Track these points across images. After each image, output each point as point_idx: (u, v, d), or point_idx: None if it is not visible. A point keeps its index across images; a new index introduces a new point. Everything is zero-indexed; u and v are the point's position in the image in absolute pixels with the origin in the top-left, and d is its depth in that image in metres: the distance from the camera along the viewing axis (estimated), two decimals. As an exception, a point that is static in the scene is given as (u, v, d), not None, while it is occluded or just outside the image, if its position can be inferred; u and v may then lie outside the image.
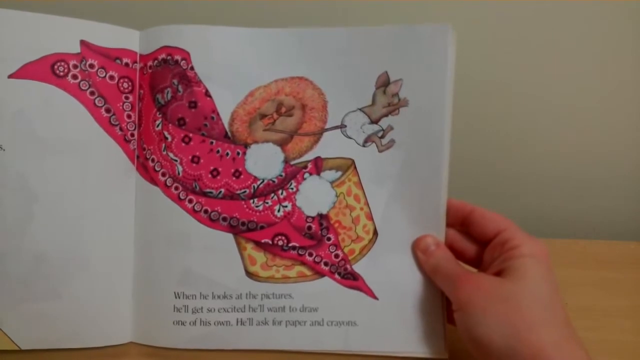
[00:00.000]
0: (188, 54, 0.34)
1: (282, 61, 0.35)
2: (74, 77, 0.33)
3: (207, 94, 0.35)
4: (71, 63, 0.33)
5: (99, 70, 0.34)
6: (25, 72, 0.33)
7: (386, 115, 0.35)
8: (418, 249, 0.35)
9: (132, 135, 0.35)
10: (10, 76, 0.32)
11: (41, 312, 0.34)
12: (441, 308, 0.35)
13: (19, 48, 0.33)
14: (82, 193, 0.34)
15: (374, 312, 0.35)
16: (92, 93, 0.34)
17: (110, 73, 0.34)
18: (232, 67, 0.35)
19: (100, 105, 0.34)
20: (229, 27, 0.35)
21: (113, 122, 0.35)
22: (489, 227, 0.33)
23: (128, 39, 0.35)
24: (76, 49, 0.33)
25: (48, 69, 0.33)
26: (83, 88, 0.34)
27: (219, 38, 0.35)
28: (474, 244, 0.35)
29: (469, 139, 0.51)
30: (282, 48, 0.35)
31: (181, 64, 0.34)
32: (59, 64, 0.33)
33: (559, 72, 0.50)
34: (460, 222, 0.35)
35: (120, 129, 0.35)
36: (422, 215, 0.35)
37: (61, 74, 0.33)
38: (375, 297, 0.35)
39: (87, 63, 0.34)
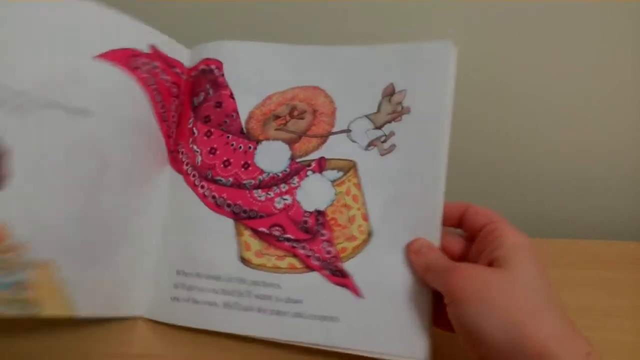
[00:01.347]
0: (221, 63, 0.40)
1: (299, 72, 0.39)
2: (145, 71, 0.38)
3: (231, 96, 0.40)
4: (143, 60, 0.38)
5: (161, 72, 0.40)
6: (109, 55, 0.37)
7: (389, 121, 0.37)
8: (410, 251, 0.35)
9: (173, 132, 0.41)
10: (96, 57, 0.36)
11: (96, 277, 0.35)
12: (428, 313, 0.34)
13: (106, 36, 0.37)
14: (136, 174, 0.38)
15: (358, 311, 0.35)
16: (154, 89, 0.39)
17: (167, 77, 0.40)
18: (256, 75, 0.40)
19: (158, 100, 0.39)
20: (259, 43, 0.41)
21: (164, 118, 0.40)
22: (480, 222, 0.34)
23: (179, 53, 0.41)
24: (147, 49, 0.39)
25: (127, 59, 0.38)
26: (149, 83, 0.39)
27: (249, 52, 0.41)
28: (470, 246, 0.35)
29: (469, 139, 0.51)
30: (301, 61, 0.40)
31: (215, 71, 0.40)
32: (135, 57, 0.38)
33: (559, 72, 0.50)
34: (457, 222, 0.35)
35: (167, 125, 0.40)
36: (418, 220, 0.35)
37: (135, 66, 0.38)
38: (361, 296, 0.35)
39: (154, 64, 0.39)
